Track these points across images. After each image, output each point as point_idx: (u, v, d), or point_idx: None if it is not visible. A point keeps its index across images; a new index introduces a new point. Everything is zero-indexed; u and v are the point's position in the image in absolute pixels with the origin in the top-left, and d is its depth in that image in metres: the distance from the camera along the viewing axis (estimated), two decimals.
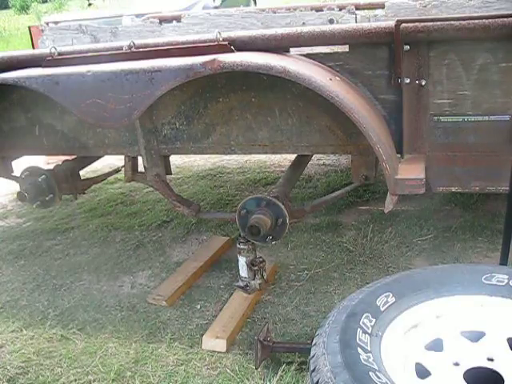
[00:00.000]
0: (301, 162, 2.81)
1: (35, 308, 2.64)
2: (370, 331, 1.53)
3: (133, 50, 2.06)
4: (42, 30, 3.45)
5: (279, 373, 1.99)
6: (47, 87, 2.01)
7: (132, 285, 2.78)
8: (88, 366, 2.16)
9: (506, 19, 1.75)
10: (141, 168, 2.61)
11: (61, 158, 3.06)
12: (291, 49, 2.08)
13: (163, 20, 3.31)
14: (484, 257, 2.69)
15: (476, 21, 1.78)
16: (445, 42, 1.88)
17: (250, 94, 2.16)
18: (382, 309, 1.61)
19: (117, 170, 3.39)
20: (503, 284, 1.68)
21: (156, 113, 2.32)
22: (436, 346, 1.61)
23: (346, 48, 2.02)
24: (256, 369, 2.03)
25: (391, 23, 1.85)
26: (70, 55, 2.16)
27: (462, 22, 1.79)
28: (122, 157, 2.69)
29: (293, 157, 2.87)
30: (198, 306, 2.52)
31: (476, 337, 1.61)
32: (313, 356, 1.50)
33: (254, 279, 2.31)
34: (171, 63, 1.86)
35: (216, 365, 2.11)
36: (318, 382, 1.40)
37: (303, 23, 2.90)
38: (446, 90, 1.94)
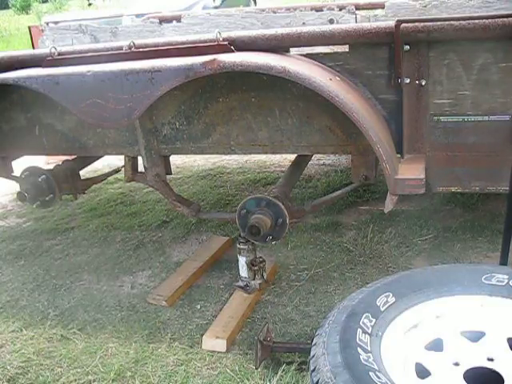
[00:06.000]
0: (301, 162, 2.80)
1: (35, 308, 2.64)
2: (369, 331, 1.53)
3: (133, 50, 2.06)
4: (42, 30, 3.45)
5: (279, 373, 1.99)
6: (47, 87, 2.01)
7: (132, 285, 2.78)
8: (88, 366, 2.16)
9: (505, 19, 1.75)
10: (141, 168, 2.61)
11: (61, 158, 3.06)
12: (291, 49, 2.08)
13: (163, 20, 3.30)
14: (484, 257, 2.69)
15: (476, 21, 1.78)
16: (445, 42, 1.88)
17: (249, 94, 2.15)
18: (382, 309, 1.61)
19: (117, 170, 3.39)
20: (503, 284, 1.68)
21: (156, 113, 2.32)
22: (436, 345, 1.61)
23: (346, 48, 2.02)
24: (256, 369, 2.03)
25: (391, 23, 1.85)
26: (69, 55, 2.16)
27: (461, 22, 1.79)
28: (122, 157, 2.69)
29: (293, 157, 2.87)
30: (198, 306, 2.52)
31: (476, 337, 1.61)
32: (313, 356, 1.50)
33: (254, 279, 2.31)
34: (171, 63, 1.86)
35: (216, 365, 2.11)
36: (318, 381, 1.40)
37: (303, 23, 2.89)
38: (446, 90, 1.94)
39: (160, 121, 2.33)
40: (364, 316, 1.57)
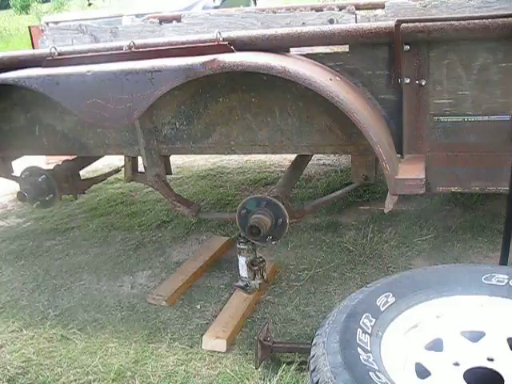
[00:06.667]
0: (301, 162, 2.81)
1: (35, 308, 2.64)
2: (369, 331, 1.53)
3: (133, 50, 2.06)
4: (42, 30, 3.44)
5: (279, 373, 1.99)
6: (47, 87, 2.01)
7: (132, 285, 2.78)
8: (88, 366, 2.16)
9: (505, 19, 1.75)
10: (141, 168, 2.61)
11: (61, 158, 3.06)
12: (291, 49, 2.08)
13: (163, 20, 3.30)
14: (484, 257, 2.69)
15: (476, 21, 1.78)
16: (445, 42, 1.88)
17: (249, 94, 2.16)
18: (382, 309, 1.61)
19: (117, 170, 3.40)
20: (503, 284, 1.68)
21: (156, 113, 2.32)
22: (436, 345, 1.61)
23: (346, 48, 2.02)
24: (256, 369, 2.03)
25: (391, 23, 1.85)
26: (70, 55, 2.16)
27: (462, 22, 1.79)
28: (122, 157, 2.69)
29: (293, 157, 2.87)
30: (198, 306, 2.52)
31: (476, 337, 1.61)
32: (313, 356, 1.50)
33: (254, 279, 2.31)
34: (171, 63, 1.86)
35: (216, 365, 2.11)
36: (318, 382, 1.40)
37: (303, 23, 2.89)
38: (446, 90, 1.94)
39: (160, 121, 2.34)
40: (364, 316, 1.57)
